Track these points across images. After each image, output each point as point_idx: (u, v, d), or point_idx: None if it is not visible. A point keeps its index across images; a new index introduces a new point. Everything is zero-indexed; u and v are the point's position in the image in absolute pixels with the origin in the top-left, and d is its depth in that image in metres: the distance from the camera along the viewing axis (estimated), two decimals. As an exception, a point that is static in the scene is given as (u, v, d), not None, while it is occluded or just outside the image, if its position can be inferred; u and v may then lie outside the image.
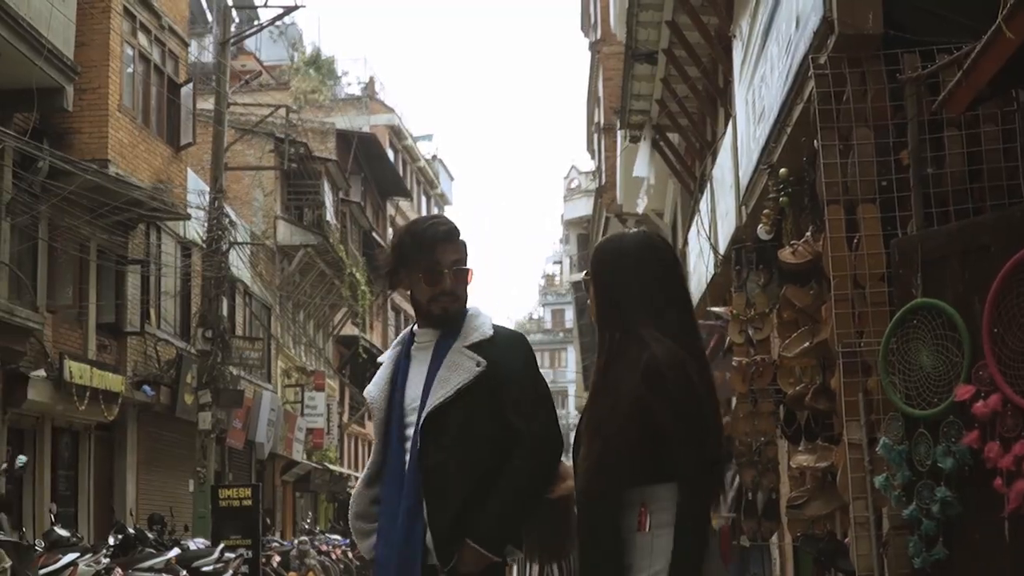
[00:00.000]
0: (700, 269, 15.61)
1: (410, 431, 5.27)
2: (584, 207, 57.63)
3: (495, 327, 5.30)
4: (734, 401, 11.99)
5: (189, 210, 28.27)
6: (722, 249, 13.35)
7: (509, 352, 5.22)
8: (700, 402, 4.28)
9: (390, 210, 58.56)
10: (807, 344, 8.44)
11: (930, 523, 6.13)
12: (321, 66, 59.00)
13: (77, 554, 15.75)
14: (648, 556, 4.29)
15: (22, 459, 16.84)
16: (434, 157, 70.87)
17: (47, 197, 21.88)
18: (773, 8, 9.69)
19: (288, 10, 32.42)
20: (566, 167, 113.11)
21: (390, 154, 56.78)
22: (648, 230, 4.83)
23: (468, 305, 5.41)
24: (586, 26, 38.48)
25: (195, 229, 29.82)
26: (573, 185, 69.00)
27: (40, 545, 16.11)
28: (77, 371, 22.97)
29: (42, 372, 22.17)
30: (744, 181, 11.54)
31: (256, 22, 38.03)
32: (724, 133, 13.90)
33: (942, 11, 7.43)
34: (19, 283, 21.69)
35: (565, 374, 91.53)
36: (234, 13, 33.85)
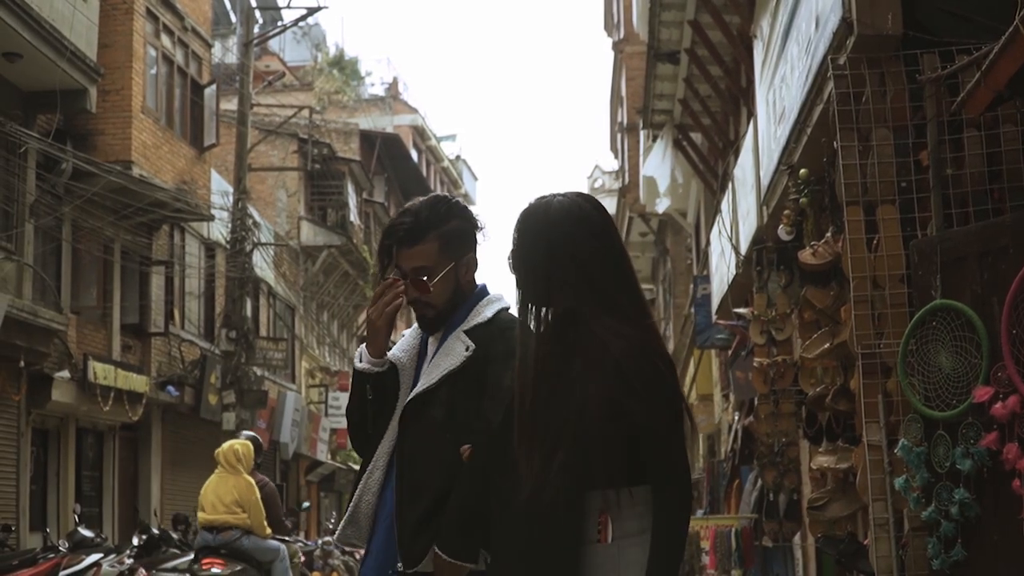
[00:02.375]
0: (722, 269, 15.59)
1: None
2: (608, 206, 57.43)
3: (500, 311, 4.76)
4: (756, 401, 11.98)
5: (213, 211, 28.32)
6: (743, 249, 13.33)
7: (499, 335, 4.62)
8: (675, 395, 4.03)
9: (414, 210, 58.44)
10: (827, 345, 8.42)
11: (949, 524, 6.12)
12: (345, 67, 59.05)
13: (101, 555, 15.76)
14: (614, 571, 3.91)
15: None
16: (457, 157, 70.88)
17: (71, 199, 21.94)
18: (793, 8, 9.67)
19: (311, 11, 32.42)
20: (590, 167, 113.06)
21: (413, 154, 56.81)
22: (580, 194, 4.26)
23: (492, 290, 4.92)
24: (609, 26, 38.45)
25: (219, 230, 29.88)
26: (596, 185, 68.79)
27: (64, 546, 16.16)
28: (101, 372, 23.02)
29: (66, 373, 22.23)
30: (765, 181, 11.52)
31: (280, 23, 38.07)
32: (746, 133, 13.88)
33: (961, 11, 7.42)
34: (43, 285, 21.76)
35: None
36: (257, 14, 33.93)
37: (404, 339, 4.97)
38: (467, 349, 4.64)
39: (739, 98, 16.76)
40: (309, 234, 39.73)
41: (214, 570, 14.45)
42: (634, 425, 3.91)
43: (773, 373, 11.07)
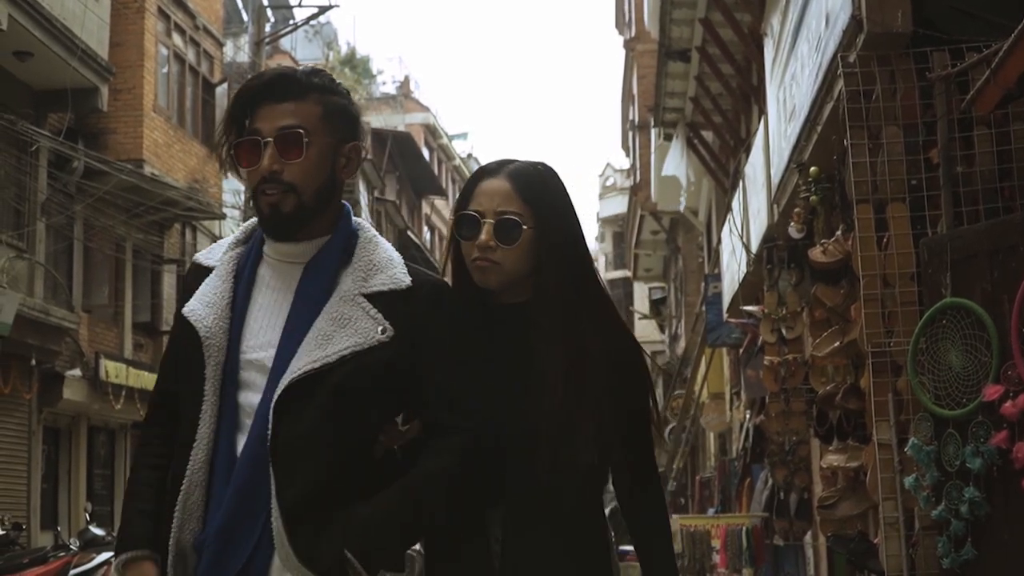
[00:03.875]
0: (733, 267, 15.57)
1: (250, 396, 3.59)
2: (619, 205, 57.54)
3: (412, 270, 3.71)
4: (767, 400, 11.97)
5: (224, 209, 28.35)
6: (754, 247, 13.31)
7: (435, 317, 3.66)
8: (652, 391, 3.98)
9: (425, 209, 58.62)
10: (838, 343, 8.40)
11: (959, 523, 6.11)
12: (356, 65, 59.09)
13: (111, 553, 15.78)
14: None
15: None
16: (469, 155, 70.90)
17: (82, 197, 21.99)
18: (803, 6, 9.65)
19: (323, 9, 32.43)
20: (602, 165, 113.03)
21: (425, 153, 56.80)
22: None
23: (355, 219, 3.81)
24: (620, 24, 38.43)
25: (231, 228, 29.88)
26: (608, 183, 68.84)
27: (75, 544, 16.18)
28: (113, 370, 23.07)
29: (78, 371, 22.28)
30: (776, 179, 11.50)
31: (291, 21, 38.10)
32: (756, 131, 13.86)
33: (971, 9, 7.40)
34: (55, 283, 21.80)
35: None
36: (269, 12, 33.96)
37: (207, 284, 3.73)
38: (382, 331, 3.56)
39: (750, 96, 16.74)
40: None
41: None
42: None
43: (784, 371, 11.06)
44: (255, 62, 30.46)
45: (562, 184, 3.94)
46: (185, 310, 3.68)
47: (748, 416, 16.34)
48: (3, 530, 16.11)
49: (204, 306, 3.66)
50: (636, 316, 46.22)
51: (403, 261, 3.72)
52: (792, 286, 10.82)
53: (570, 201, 3.92)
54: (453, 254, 3.92)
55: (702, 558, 15.56)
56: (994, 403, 5.91)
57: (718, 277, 18.60)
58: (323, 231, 3.67)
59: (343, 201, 3.77)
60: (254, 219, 3.77)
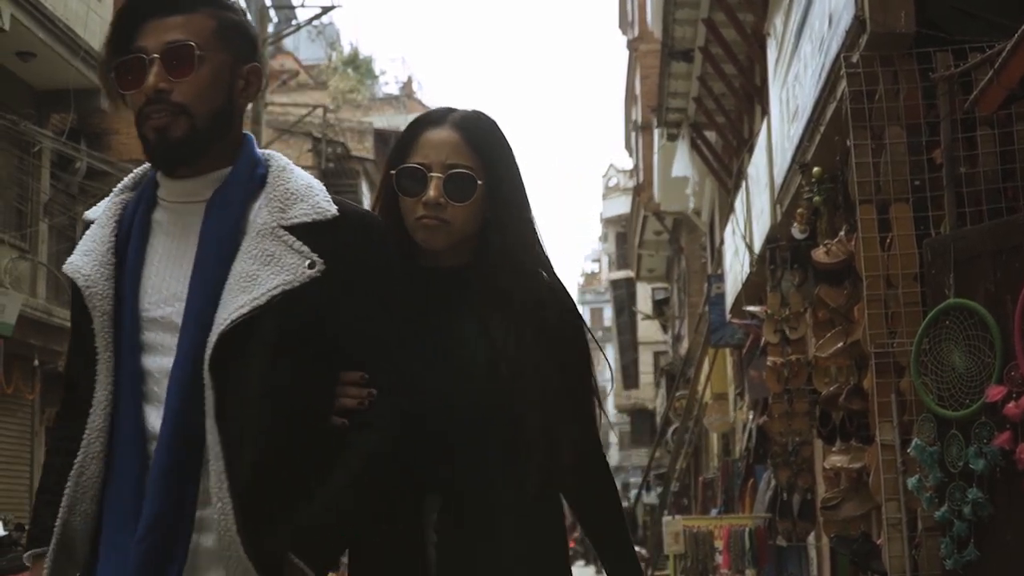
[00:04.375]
0: (736, 268, 15.57)
1: (158, 360, 3.12)
2: (623, 205, 57.55)
3: (336, 199, 3.27)
4: (770, 400, 11.96)
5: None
6: (757, 248, 13.31)
7: (367, 254, 3.23)
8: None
9: (428, 209, 58.52)
10: (841, 344, 8.40)
11: (962, 524, 6.10)
12: (359, 66, 59.11)
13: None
14: None
15: None
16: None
17: (85, 198, 21.97)
18: (806, 6, 9.65)
19: (326, 9, 32.43)
20: (604, 165, 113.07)
21: (428, 153, 56.70)
22: None
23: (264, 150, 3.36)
24: (623, 24, 38.43)
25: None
26: (611, 183, 68.89)
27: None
28: (115, 371, 23.05)
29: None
30: (779, 180, 11.49)
31: (294, 22, 38.11)
32: (759, 131, 13.86)
33: (974, 9, 7.40)
34: (57, 284, 21.79)
35: (604, 373, 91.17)
36: (272, 13, 33.96)
37: (87, 235, 3.31)
38: (310, 266, 3.11)
39: (753, 96, 16.74)
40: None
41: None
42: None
43: (787, 372, 11.05)
44: (258, 62, 30.45)
45: (507, 138, 3.59)
46: (64, 267, 3.24)
47: (751, 417, 16.33)
48: (5, 531, 16.10)
49: (81, 255, 3.23)
50: (639, 316, 46.25)
51: (325, 189, 3.29)
52: (795, 287, 10.81)
53: (514, 154, 3.60)
54: (386, 212, 3.51)
55: (705, 559, 15.55)
56: (997, 404, 5.91)
57: (721, 278, 18.59)
58: (222, 163, 3.22)
59: (245, 132, 3.34)
60: (147, 164, 3.34)
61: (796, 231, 10.03)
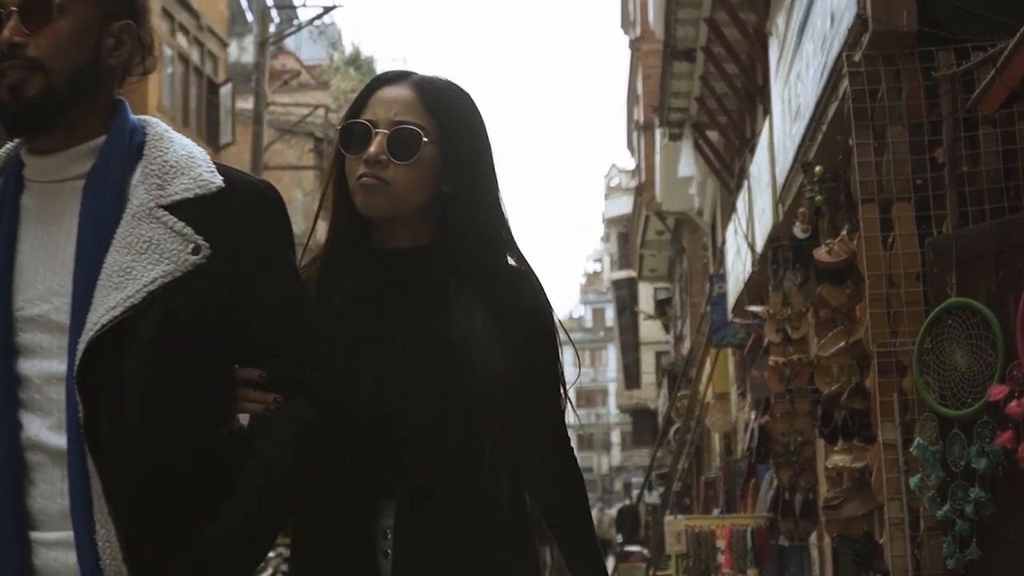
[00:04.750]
0: (737, 267, 15.56)
1: (38, 364, 2.72)
2: (624, 205, 57.58)
3: (222, 168, 2.91)
4: (772, 400, 11.96)
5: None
6: (759, 247, 13.30)
7: (259, 227, 2.87)
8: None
9: (430, 209, 58.57)
10: (843, 344, 8.39)
11: (964, 524, 6.09)
12: (361, 65, 59.13)
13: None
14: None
15: None
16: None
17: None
18: (808, 5, 9.64)
19: (327, 9, 32.44)
20: (605, 165, 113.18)
21: (430, 153, 56.74)
22: None
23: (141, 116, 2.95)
24: (625, 24, 38.43)
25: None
26: (613, 183, 68.94)
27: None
28: (118, 370, 23.07)
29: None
30: (780, 179, 11.48)
31: (295, 22, 38.13)
32: (761, 131, 13.86)
33: (976, 8, 7.39)
34: (59, 283, 21.83)
35: (606, 373, 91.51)
36: (274, 13, 33.97)
37: None
38: (194, 251, 2.72)
39: (755, 96, 16.73)
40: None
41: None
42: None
43: (789, 372, 11.04)
44: (259, 62, 30.51)
45: (478, 108, 3.25)
46: None
47: (753, 417, 16.32)
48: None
49: None
50: (641, 316, 46.25)
51: (208, 158, 2.91)
52: (797, 286, 10.81)
53: (486, 129, 3.26)
54: (336, 178, 3.22)
55: (707, 558, 15.54)
56: (999, 403, 5.90)
57: (723, 277, 18.58)
58: (92, 133, 2.84)
59: (120, 98, 2.93)
60: (10, 144, 2.93)
61: (798, 230, 10.03)
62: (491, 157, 3.26)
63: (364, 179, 3.09)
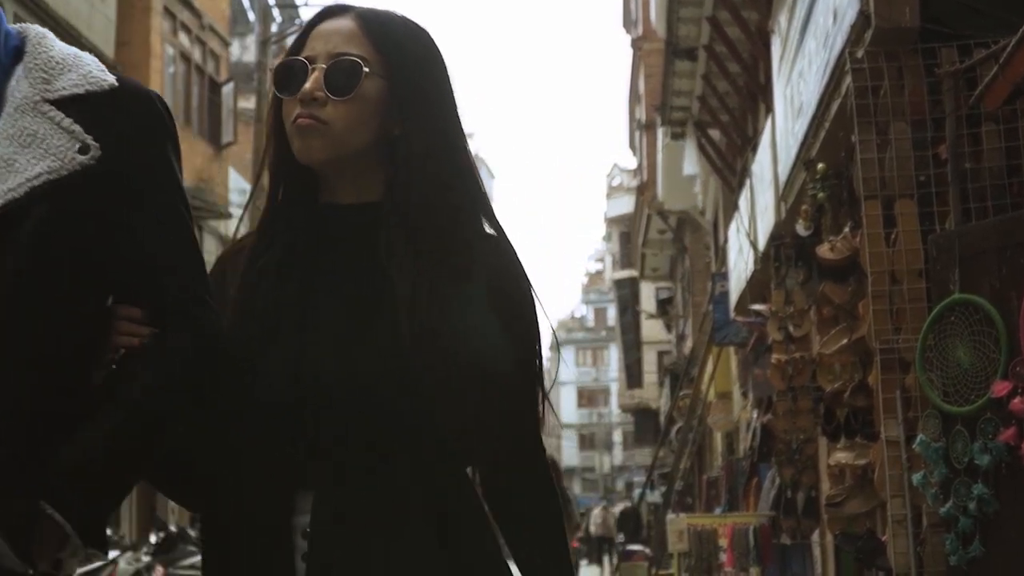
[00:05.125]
0: (740, 266, 15.56)
1: None
2: (626, 204, 57.61)
3: (115, 73, 2.64)
4: (774, 398, 11.96)
5: (230, 209, 28.37)
6: (761, 246, 13.29)
7: (153, 137, 2.61)
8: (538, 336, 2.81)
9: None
10: (845, 341, 8.39)
11: (967, 520, 6.09)
12: (363, 65, 59.16)
13: (118, 552, 15.80)
14: None
15: None
16: (475, 156, 70.92)
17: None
18: (811, 2, 9.64)
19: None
20: (607, 164, 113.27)
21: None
22: None
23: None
24: (627, 23, 38.42)
25: (237, 227, 29.93)
26: (615, 183, 68.98)
27: (81, 543, 16.18)
28: (119, 369, 23.07)
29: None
30: (783, 177, 11.49)
31: (297, 21, 38.12)
32: (763, 129, 13.86)
33: (979, 5, 7.39)
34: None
35: (608, 372, 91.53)
36: (275, 12, 33.96)
37: None
38: (82, 150, 2.46)
39: (757, 95, 16.73)
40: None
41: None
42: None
43: (791, 370, 11.04)
44: (261, 61, 30.51)
45: (435, 44, 2.86)
46: None
47: (755, 415, 16.32)
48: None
49: None
50: (643, 316, 46.24)
51: (98, 61, 2.65)
52: (799, 284, 10.80)
53: (445, 67, 2.84)
54: (274, 126, 2.82)
55: (709, 557, 15.55)
56: (1003, 399, 5.90)
57: (725, 276, 18.59)
58: None
59: None
60: None
61: (800, 228, 10.03)
62: (451, 99, 2.83)
63: (300, 120, 2.68)
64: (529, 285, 2.76)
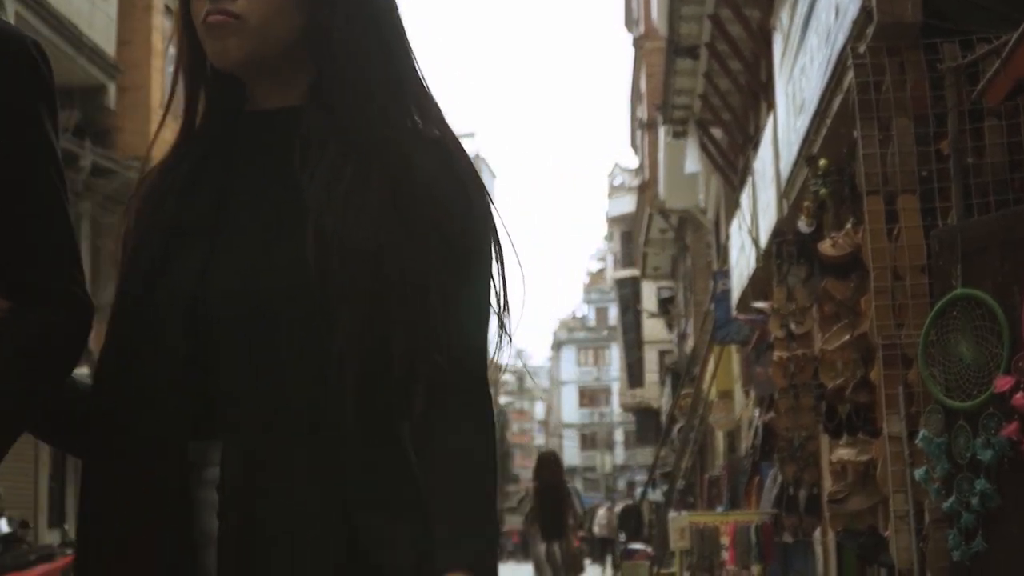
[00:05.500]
0: (741, 264, 15.56)
1: None
2: (628, 204, 57.64)
3: None
4: (776, 396, 11.96)
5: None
6: (763, 243, 13.29)
7: (24, 87, 2.31)
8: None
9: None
10: (847, 337, 8.39)
11: (969, 516, 6.08)
12: (364, 64, 59.23)
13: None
14: None
15: None
16: (476, 156, 70.98)
17: (90, 195, 21.98)
18: (813, -1, 9.65)
19: (330, 8, 32.47)
20: (608, 163, 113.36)
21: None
22: None
23: None
24: (629, 21, 38.44)
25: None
26: (616, 183, 69.01)
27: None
28: (120, 368, 23.06)
29: (86, 369, 22.25)
30: (785, 174, 11.49)
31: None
32: (765, 126, 13.86)
33: (981, 0, 7.38)
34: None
35: (609, 372, 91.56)
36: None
37: None
38: None
39: (758, 92, 16.72)
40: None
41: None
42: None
43: (793, 367, 11.05)
44: (263, 60, 30.54)
45: None
46: None
47: (757, 414, 16.33)
48: (10, 528, 16.11)
49: None
50: (644, 315, 46.25)
51: None
52: (801, 281, 10.80)
53: None
54: (184, 30, 2.45)
55: (711, 555, 15.56)
56: (1005, 394, 5.89)
57: (726, 274, 18.59)
58: None
59: None
60: None
61: (802, 225, 10.03)
62: None
63: (210, 18, 2.29)
64: (479, 195, 2.33)
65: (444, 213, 2.26)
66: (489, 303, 2.34)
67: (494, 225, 2.34)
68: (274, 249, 2.21)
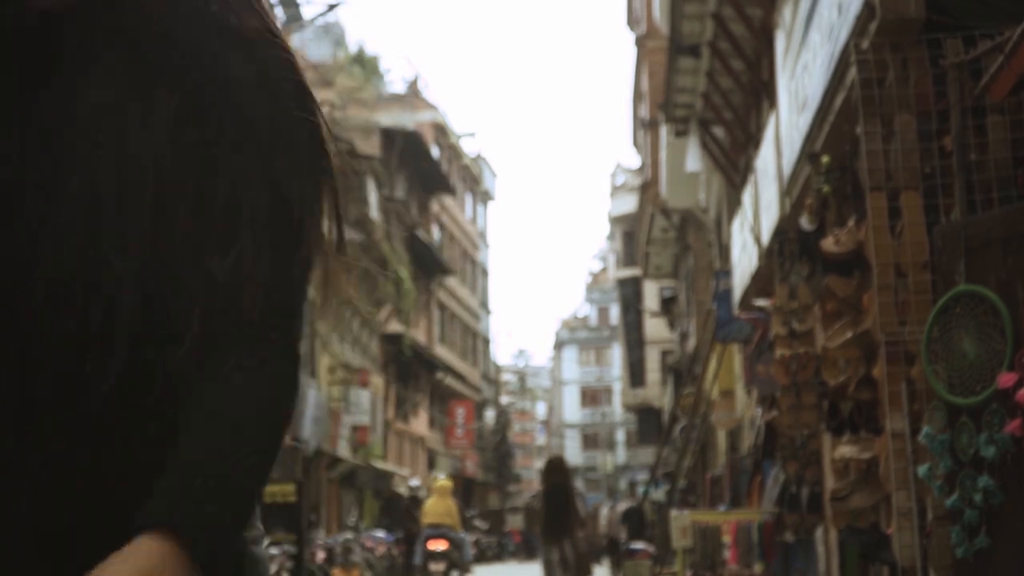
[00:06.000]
0: (743, 262, 15.54)
1: None
2: (630, 203, 57.66)
3: None
4: (777, 394, 11.94)
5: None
6: (765, 241, 13.28)
7: None
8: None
9: (434, 207, 58.65)
10: (850, 334, 8.37)
11: (972, 512, 6.06)
12: (366, 64, 59.19)
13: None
14: None
15: None
16: (478, 155, 70.97)
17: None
18: (815, -4, 9.64)
19: (332, 6, 32.45)
20: (610, 162, 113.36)
21: (434, 151, 56.88)
22: None
23: None
24: (631, 20, 38.43)
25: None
26: (618, 182, 69.01)
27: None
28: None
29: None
30: (787, 171, 11.48)
31: (299, 20, 38.16)
32: (768, 123, 13.85)
33: (983, -4, 7.38)
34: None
35: (611, 371, 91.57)
36: (278, 10, 34.01)
37: None
38: None
39: (760, 91, 16.72)
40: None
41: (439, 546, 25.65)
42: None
43: (795, 365, 11.03)
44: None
45: None
46: None
47: (759, 413, 16.31)
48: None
49: None
50: (646, 315, 46.27)
51: None
52: (804, 279, 10.79)
53: None
54: None
55: (713, 553, 15.54)
56: (1008, 391, 5.87)
57: (728, 273, 18.58)
58: None
59: None
60: None
61: (805, 222, 10.01)
62: None
63: None
64: (304, 102, 1.92)
65: (246, 124, 1.86)
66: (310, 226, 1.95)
67: (309, 131, 1.93)
68: (47, 182, 1.79)
